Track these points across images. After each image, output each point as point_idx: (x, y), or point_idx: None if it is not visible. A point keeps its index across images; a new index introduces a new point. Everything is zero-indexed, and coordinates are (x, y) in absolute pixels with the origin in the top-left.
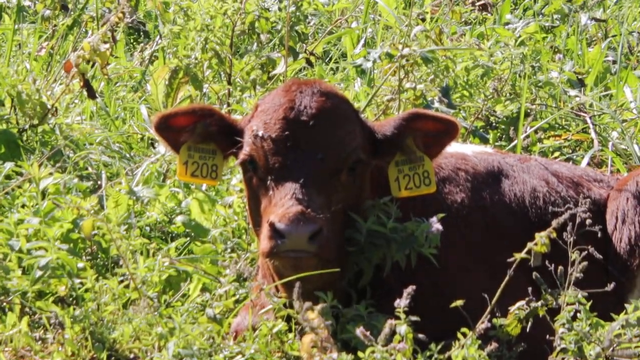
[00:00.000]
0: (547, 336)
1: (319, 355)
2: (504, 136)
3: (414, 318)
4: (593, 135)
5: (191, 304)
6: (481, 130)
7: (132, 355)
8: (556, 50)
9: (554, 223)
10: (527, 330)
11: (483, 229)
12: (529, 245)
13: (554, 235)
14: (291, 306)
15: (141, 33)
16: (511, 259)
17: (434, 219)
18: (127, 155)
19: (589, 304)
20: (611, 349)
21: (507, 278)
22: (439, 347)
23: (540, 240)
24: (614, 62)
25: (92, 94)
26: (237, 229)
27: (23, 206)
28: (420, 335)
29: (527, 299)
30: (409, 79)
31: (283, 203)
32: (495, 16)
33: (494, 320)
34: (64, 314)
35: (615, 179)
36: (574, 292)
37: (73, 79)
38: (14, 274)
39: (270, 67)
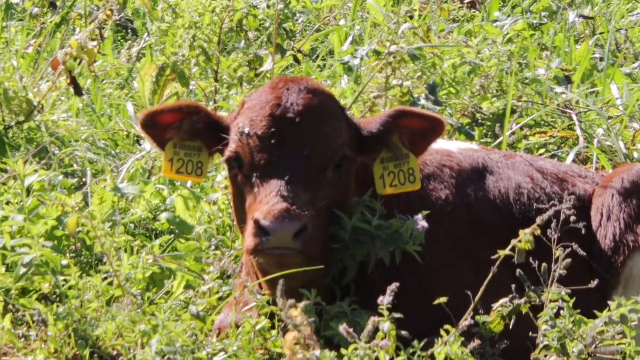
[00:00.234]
0: (531, 333)
1: (302, 352)
2: (489, 133)
3: (397, 315)
4: (579, 132)
5: (175, 301)
6: (467, 127)
7: (115, 353)
8: (544, 47)
9: (539, 220)
10: (511, 327)
11: (467, 225)
12: (513, 242)
13: (538, 232)
14: (275, 303)
15: (129, 31)
16: (495, 256)
17: (419, 217)
18: (113, 153)
19: (573, 301)
20: (594, 346)
21: (490, 275)
22: (422, 344)
23: (525, 238)
24: (601, 59)
25: (78, 92)
26: (222, 226)
27: (8, 203)
28: (404, 333)
29: (510, 296)
30: (396, 76)
31: (268, 200)
32: (483, 14)
33: (477, 317)
34: (48, 312)
35: (601, 175)
36: (558, 289)
37: (60, 76)
38: None
39: (258, 65)
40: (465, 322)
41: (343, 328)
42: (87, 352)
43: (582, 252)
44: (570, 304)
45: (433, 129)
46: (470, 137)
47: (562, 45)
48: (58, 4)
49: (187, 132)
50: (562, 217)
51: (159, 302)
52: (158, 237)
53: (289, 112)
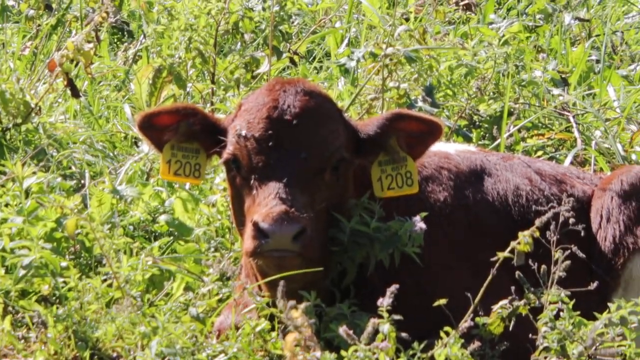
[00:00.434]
0: (530, 335)
1: (302, 354)
2: (487, 135)
3: (397, 317)
4: (576, 134)
5: (174, 303)
6: (464, 129)
7: (115, 354)
8: (540, 49)
9: (537, 222)
10: (510, 329)
11: (466, 227)
12: (512, 244)
13: (537, 234)
14: (274, 305)
15: (125, 32)
16: (494, 258)
17: (417, 218)
18: (111, 154)
19: (572, 302)
20: (594, 347)
21: (490, 277)
22: (422, 345)
23: (524, 240)
24: (598, 61)
25: (75, 93)
26: (221, 228)
27: (6, 205)
28: (403, 334)
29: (510, 297)
30: (393, 78)
31: (267, 202)
32: (479, 16)
33: (477, 319)
34: (47, 313)
35: (599, 177)
36: (557, 290)
37: (57, 78)
38: None
39: (254, 67)
40: (465, 323)
41: (343, 330)
42: (86, 354)
43: (581, 254)
44: (570, 306)
45: (430, 131)
46: (468, 139)
47: (558, 47)
48: (53, 5)
49: (184, 133)
50: (561, 219)
51: (158, 303)
52: (157, 239)
53: (286, 114)
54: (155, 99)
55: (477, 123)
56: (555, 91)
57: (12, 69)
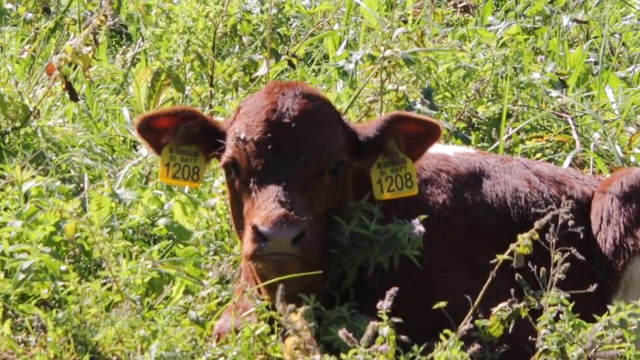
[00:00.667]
0: (530, 337)
1: (301, 357)
2: (486, 137)
3: (396, 320)
4: (575, 136)
5: (174, 306)
6: (463, 131)
7: (114, 358)
8: (538, 51)
9: (537, 224)
10: (510, 331)
11: (465, 229)
12: (512, 246)
13: (536, 236)
14: (274, 308)
15: (123, 36)
16: (494, 261)
17: (416, 221)
18: (110, 158)
19: (572, 305)
20: (593, 350)
21: (489, 279)
22: (422, 348)
23: (523, 242)
24: (596, 63)
25: (74, 97)
26: (220, 232)
27: (5, 209)
28: (403, 337)
29: (509, 300)
30: (391, 80)
31: (266, 206)
32: (477, 18)
33: (477, 321)
34: (47, 317)
35: (598, 179)
36: (556, 293)
37: (55, 81)
38: None
39: (253, 69)
40: (465, 326)
41: (342, 333)
42: (86, 358)
43: (580, 256)
44: (570, 308)
45: (429, 133)
46: (467, 141)
47: (556, 49)
48: (51, 9)
49: (182, 136)
50: (560, 221)
51: (158, 307)
52: (156, 243)
53: (285, 117)
54: (153, 102)
55: (476, 125)
56: (554, 93)
57: (10, 73)
